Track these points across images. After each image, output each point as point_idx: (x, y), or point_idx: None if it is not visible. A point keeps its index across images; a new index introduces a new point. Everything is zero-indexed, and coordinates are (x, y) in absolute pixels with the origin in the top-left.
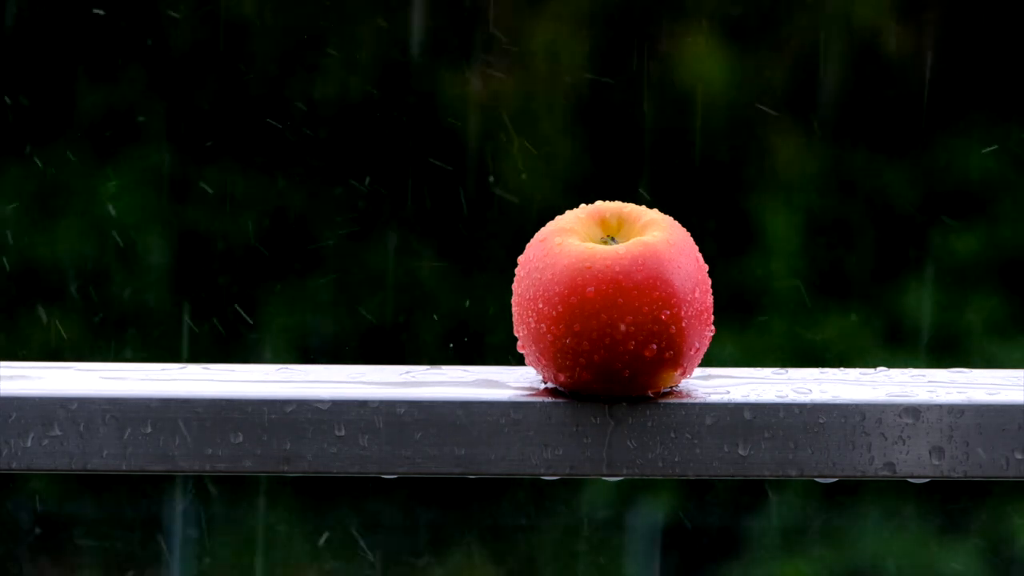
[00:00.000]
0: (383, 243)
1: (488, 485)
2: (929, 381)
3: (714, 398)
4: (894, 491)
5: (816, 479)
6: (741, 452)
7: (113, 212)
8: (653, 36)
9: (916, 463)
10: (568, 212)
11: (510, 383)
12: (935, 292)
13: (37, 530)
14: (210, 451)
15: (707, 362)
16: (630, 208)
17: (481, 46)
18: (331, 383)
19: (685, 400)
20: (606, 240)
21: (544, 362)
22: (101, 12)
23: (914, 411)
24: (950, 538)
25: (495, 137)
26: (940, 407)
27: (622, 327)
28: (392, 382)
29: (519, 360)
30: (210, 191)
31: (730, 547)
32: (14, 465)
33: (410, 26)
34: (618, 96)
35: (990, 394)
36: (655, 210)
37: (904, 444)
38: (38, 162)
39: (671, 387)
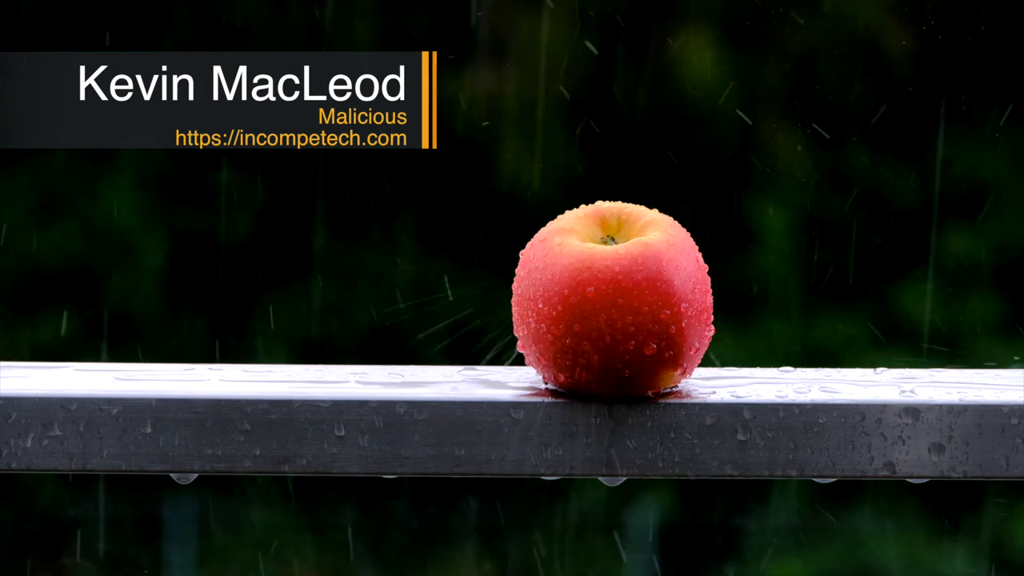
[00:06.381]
0: (382, 243)
1: (488, 485)
2: (929, 381)
3: (714, 398)
4: (894, 491)
5: (816, 479)
6: (741, 452)
7: (111, 212)
8: (652, 35)
9: (916, 463)
10: (568, 212)
11: (510, 383)
12: (935, 292)
13: (36, 530)
14: (210, 451)
15: (707, 362)
16: (630, 208)
17: (480, 45)
18: (331, 383)
19: (685, 400)
20: (606, 240)
21: (544, 362)
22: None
23: (914, 411)
24: (950, 538)
25: (494, 136)
26: (940, 407)
27: (622, 327)
28: (392, 382)
29: (519, 360)
30: (209, 191)
31: (729, 547)
32: (14, 465)
33: (408, 24)
34: (617, 96)
35: (990, 394)
36: (655, 210)
37: (904, 444)
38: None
39: (671, 387)
